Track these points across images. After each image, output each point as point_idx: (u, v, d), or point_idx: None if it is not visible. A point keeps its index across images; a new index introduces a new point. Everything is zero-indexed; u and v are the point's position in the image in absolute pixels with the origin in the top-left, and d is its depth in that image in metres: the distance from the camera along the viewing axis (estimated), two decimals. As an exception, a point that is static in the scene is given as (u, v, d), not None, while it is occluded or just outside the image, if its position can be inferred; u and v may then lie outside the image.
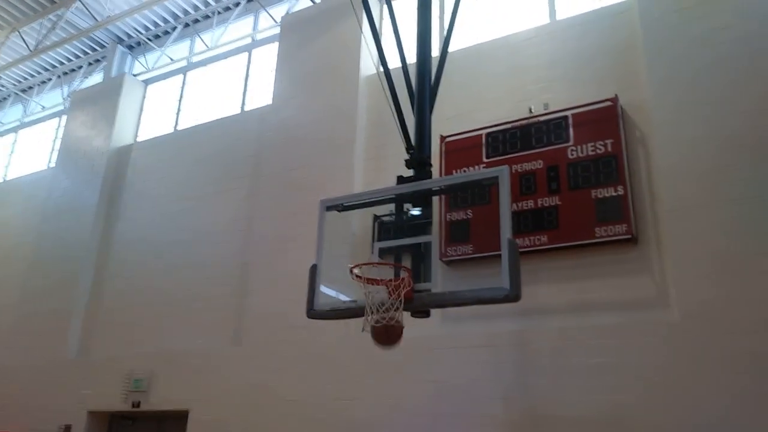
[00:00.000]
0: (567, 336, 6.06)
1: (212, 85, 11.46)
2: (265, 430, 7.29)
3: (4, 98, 15.16)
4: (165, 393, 8.48)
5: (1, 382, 10.23)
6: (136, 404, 8.63)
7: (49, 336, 10.17)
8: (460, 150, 7.30)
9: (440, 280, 5.65)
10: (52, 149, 13.39)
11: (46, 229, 11.51)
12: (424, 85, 5.81)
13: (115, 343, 9.65)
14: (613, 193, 6.25)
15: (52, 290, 10.59)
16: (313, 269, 5.27)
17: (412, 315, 5.03)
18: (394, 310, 4.34)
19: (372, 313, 4.42)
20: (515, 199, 6.57)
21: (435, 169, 5.90)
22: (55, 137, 13.55)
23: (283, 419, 7.20)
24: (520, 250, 4.47)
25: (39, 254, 11.30)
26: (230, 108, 10.74)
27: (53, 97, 14.38)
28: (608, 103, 6.60)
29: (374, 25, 6.44)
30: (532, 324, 6.29)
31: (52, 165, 12.77)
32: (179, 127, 11.36)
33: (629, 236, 6.07)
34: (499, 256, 4.37)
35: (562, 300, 6.32)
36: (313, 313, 5.20)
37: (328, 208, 5.47)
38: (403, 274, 4.64)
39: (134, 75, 12.59)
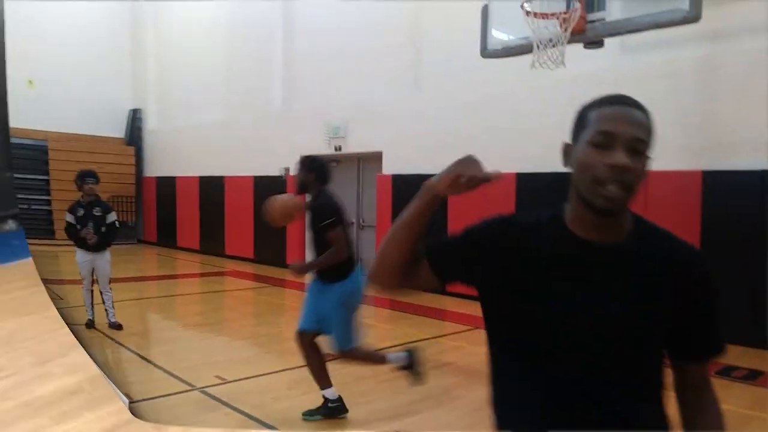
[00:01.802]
0: (758, 59, 5.59)
1: None
2: (446, 162, 8.19)
3: None
4: (360, 137, 9.70)
5: (225, 135, 12.42)
6: (338, 148, 10.06)
7: (256, 92, 11.80)
8: None
9: (616, 8, 5.40)
10: None
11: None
12: None
13: (312, 97, 10.89)
14: None
15: (250, 51, 11.96)
16: (485, 10, 5.39)
17: (585, 46, 5.05)
18: (562, 44, 4.43)
19: (541, 48, 4.56)
20: None
21: None
22: None
23: (460, 155, 7.98)
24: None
25: (234, 22, 12.54)
26: None
27: None
28: None
29: None
30: (718, 48, 5.86)
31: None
32: None
33: None
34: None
35: (755, 20, 5.68)
36: (485, 53, 5.48)
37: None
38: (575, 5, 4.58)
39: None
